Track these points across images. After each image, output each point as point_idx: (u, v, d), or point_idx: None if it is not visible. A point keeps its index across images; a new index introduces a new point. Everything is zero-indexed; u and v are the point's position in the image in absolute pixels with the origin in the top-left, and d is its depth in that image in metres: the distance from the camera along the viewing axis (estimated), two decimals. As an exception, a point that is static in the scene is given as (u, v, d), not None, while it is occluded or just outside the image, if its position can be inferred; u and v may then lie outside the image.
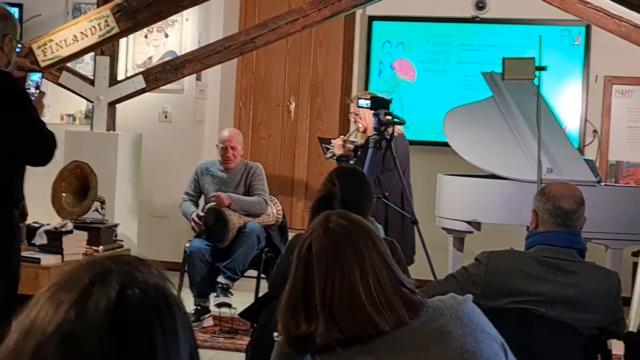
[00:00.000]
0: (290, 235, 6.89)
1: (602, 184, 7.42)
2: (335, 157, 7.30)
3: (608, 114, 8.95)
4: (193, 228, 7.38)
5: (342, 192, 3.83)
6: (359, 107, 6.90)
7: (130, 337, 1.16)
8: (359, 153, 7.14)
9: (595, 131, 8.97)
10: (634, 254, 7.79)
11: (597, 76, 8.95)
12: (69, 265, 1.26)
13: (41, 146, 4.56)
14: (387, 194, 6.84)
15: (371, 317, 2.16)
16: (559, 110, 8.47)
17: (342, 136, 7.52)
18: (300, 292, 2.24)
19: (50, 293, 1.20)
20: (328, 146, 7.65)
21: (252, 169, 7.45)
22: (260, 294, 6.72)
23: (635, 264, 7.60)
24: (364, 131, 7.24)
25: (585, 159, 7.44)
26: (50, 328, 1.16)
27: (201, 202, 7.57)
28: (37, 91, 4.97)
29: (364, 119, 7.20)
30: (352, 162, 7.17)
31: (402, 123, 6.75)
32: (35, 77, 5.06)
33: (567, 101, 8.94)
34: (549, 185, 3.85)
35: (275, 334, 2.39)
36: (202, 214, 7.29)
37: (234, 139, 7.43)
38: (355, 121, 7.38)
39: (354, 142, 7.38)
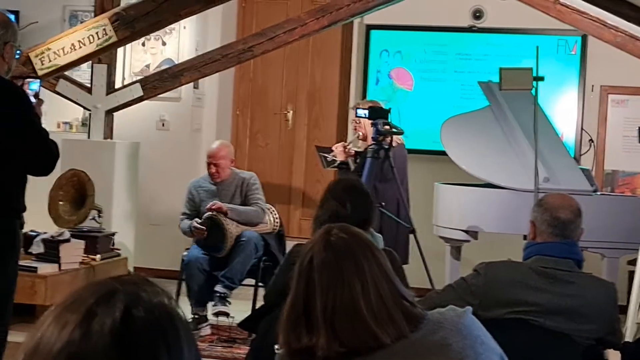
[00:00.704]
0: (289, 243, 6.90)
1: (598, 193, 7.44)
2: (336, 164, 7.32)
3: (604, 124, 8.97)
4: (197, 233, 7.30)
5: (353, 215, 3.81)
6: (357, 116, 6.92)
7: (135, 357, 1.17)
8: (357, 160, 7.16)
9: (591, 140, 8.99)
10: (630, 263, 7.80)
11: (593, 86, 8.97)
12: (77, 287, 1.27)
13: (45, 156, 4.56)
14: (383, 203, 6.85)
15: (372, 330, 2.17)
16: (555, 119, 8.49)
17: (342, 142, 7.53)
18: (301, 305, 2.25)
19: (56, 313, 1.21)
20: (326, 155, 7.67)
21: (247, 179, 7.40)
22: (258, 303, 6.73)
23: (631, 273, 7.60)
24: (364, 139, 7.26)
25: (581, 168, 7.46)
26: (55, 348, 1.17)
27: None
28: (36, 100, 4.96)
29: (364, 126, 7.23)
30: (353, 167, 7.20)
31: (400, 133, 6.77)
32: (34, 85, 5.04)
33: (563, 110, 8.96)
34: (546, 196, 3.87)
35: (276, 346, 2.39)
36: (199, 222, 7.26)
37: (217, 155, 7.31)
38: (355, 129, 7.40)
39: (355, 149, 7.41)
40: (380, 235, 4.59)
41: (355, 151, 7.33)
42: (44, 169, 4.64)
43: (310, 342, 2.20)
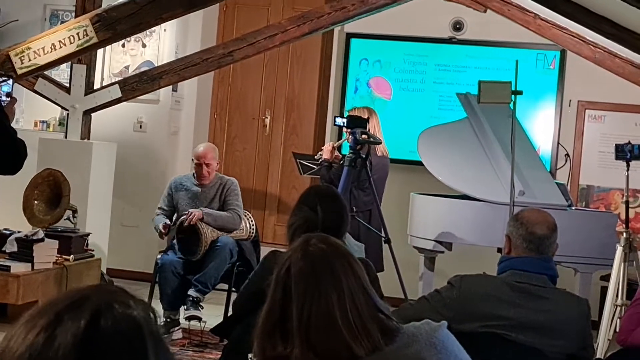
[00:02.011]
0: (263, 249, 6.90)
1: (573, 208, 7.49)
2: (321, 161, 7.32)
3: (580, 139, 9.02)
4: (160, 235, 7.33)
5: (324, 220, 3.85)
6: (335, 125, 6.94)
7: None
8: (342, 162, 7.15)
9: (567, 155, 9.04)
10: (603, 278, 7.85)
11: (570, 100, 9.02)
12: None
13: (13, 155, 4.54)
14: (354, 208, 6.85)
15: (347, 342, 2.17)
16: (532, 133, 8.55)
17: (331, 142, 7.53)
18: (277, 314, 2.25)
19: (28, 317, 1.22)
20: (303, 162, 7.68)
21: (227, 184, 7.41)
22: (230, 308, 6.72)
23: (603, 288, 7.65)
24: None
25: (557, 183, 7.50)
26: (19, 351, 1.17)
27: (175, 218, 7.54)
28: (8, 98, 4.94)
29: None
30: (334, 166, 7.20)
31: (378, 142, 6.78)
32: (6, 87, 5.03)
33: (540, 124, 9.00)
34: (523, 211, 3.88)
35: (250, 355, 2.39)
36: (169, 222, 7.28)
37: (208, 155, 7.37)
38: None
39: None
40: (362, 244, 4.60)
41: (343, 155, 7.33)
42: (12, 168, 4.62)
43: (285, 351, 2.20)
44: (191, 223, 7.05)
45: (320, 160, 7.37)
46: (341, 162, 7.21)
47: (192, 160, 7.54)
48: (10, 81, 5.26)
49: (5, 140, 4.51)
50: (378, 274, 4.31)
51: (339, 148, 7.50)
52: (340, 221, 3.94)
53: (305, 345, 2.18)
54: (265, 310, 2.28)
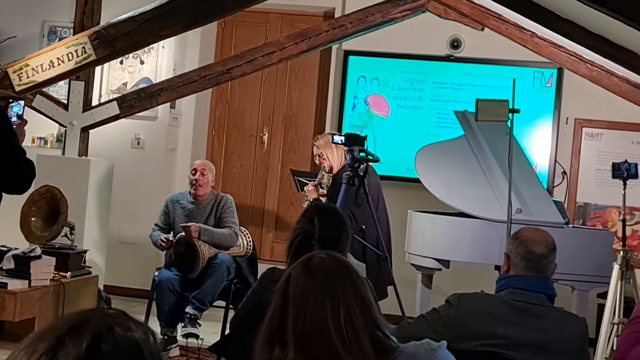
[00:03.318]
0: (261, 267, 6.89)
1: (570, 225, 7.49)
2: (310, 203, 7.32)
3: (577, 156, 9.03)
4: (161, 247, 7.33)
5: (321, 231, 3.85)
6: (333, 142, 6.92)
7: None
8: (329, 193, 7.15)
9: (564, 172, 9.06)
10: (600, 296, 7.85)
11: (567, 118, 9.04)
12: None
13: (22, 175, 4.56)
14: (363, 227, 6.84)
15: (337, 351, 2.18)
16: (529, 150, 8.56)
17: (312, 181, 7.52)
18: (277, 320, 2.28)
19: (30, 341, 1.22)
20: (301, 179, 7.68)
21: (223, 200, 7.45)
22: (228, 326, 6.71)
23: (600, 306, 7.65)
24: (330, 171, 7.24)
25: (554, 200, 7.50)
26: None
27: (171, 235, 7.54)
28: (19, 120, 4.98)
29: (327, 158, 7.20)
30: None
31: (376, 160, 6.77)
32: (17, 108, 5.06)
33: (538, 141, 9.02)
34: (522, 229, 3.88)
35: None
36: (172, 238, 7.30)
37: (205, 166, 7.48)
38: (320, 163, 7.36)
39: (322, 185, 7.39)
40: (363, 263, 4.60)
41: (327, 188, 7.32)
42: (20, 188, 4.64)
43: (282, 354, 2.22)
44: (191, 236, 7.06)
45: (310, 201, 7.37)
46: (333, 185, 7.21)
47: (189, 176, 7.55)
48: (22, 102, 5.28)
49: (15, 160, 4.53)
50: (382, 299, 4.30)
51: (321, 184, 7.50)
52: (338, 234, 3.93)
53: (298, 351, 2.20)
54: (267, 318, 2.31)
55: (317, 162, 7.46)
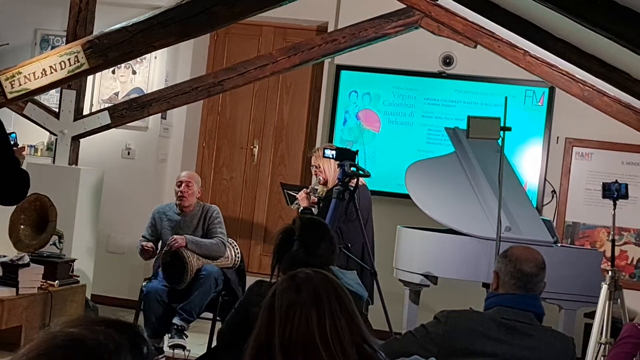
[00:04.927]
0: (249, 279, 6.89)
1: (559, 244, 7.50)
2: (300, 210, 7.33)
3: (567, 175, 9.05)
4: (142, 252, 7.33)
5: (301, 230, 3.88)
6: (324, 157, 6.93)
7: None
8: (320, 204, 7.17)
9: (554, 191, 9.07)
10: (587, 315, 7.86)
11: (558, 137, 9.06)
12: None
13: (17, 186, 4.55)
14: (349, 244, 6.85)
15: None
16: (519, 168, 8.58)
17: (304, 189, 7.54)
18: (263, 335, 2.28)
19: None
20: (291, 193, 7.68)
21: (210, 211, 7.47)
22: (215, 337, 6.70)
23: (587, 326, 7.66)
24: (325, 183, 7.26)
25: (543, 219, 7.51)
26: None
27: (159, 246, 7.54)
28: (16, 147, 5.02)
29: (324, 171, 7.22)
30: (316, 212, 7.20)
31: (367, 175, 6.78)
32: (12, 135, 5.12)
33: (528, 160, 9.03)
34: (512, 247, 3.89)
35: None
36: (150, 247, 7.31)
37: (190, 178, 7.50)
38: (316, 174, 7.40)
39: (316, 193, 7.41)
40: (354, 271, 4.59)
41: (318, 197, 7.34)
42: (16, 199, 4.64)
43: None
44: (173, 249, 7.06)
45: (300, 209, 7.38)
46: (319, 204, 7.22)
47: (175, 189, 7.56)
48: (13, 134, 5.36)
49: (11, 172, 4.52)
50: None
51: (314, 192, 7.52)
52: (319, 237, 3.95)
53: None
54: (254, 333, 2.31)
55: (313, 172, 7.49)
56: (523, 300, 3.65)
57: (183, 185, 7.41)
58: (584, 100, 7.90)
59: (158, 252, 7.35)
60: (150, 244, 7.33)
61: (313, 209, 7.27)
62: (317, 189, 7.38)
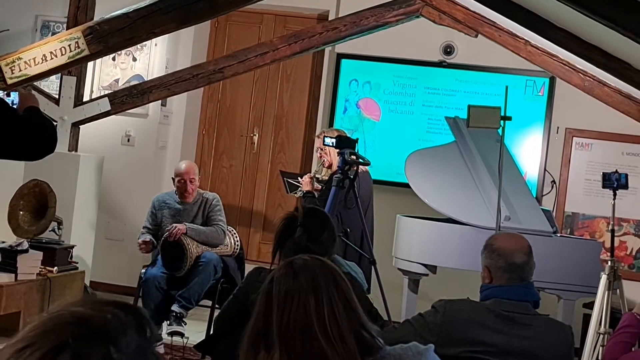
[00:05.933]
0: (248, 267, 6.89)
1: (558, 234, 7.50)
2: (302, 194, 7.33)
3: (567, 166, 9.04)
4: (140, 248, 7.34)
5: (305, 216, 3.87)
6: (324, 144, 6.94)
7: None
8: (323, 188, 7.17)
9: (553, 181, 9.07)
10: (585, 306, 7.86)
11: (558, 127, 9.05)
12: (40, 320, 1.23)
13: (38, 140, 4.51)
14: (348, 230, 6.86)
15: (322, 348, 2.18)
16: (519, 158, 8.57)
17: (309, 173, 7.55)
18: (261, 322, 2.28)
19: (4, 358, 1.19)
20: (290, 181, 7.69)
21: (210, 199, 7.46)
22: (213, 324, 6.70)
23: (586, 316, 7.66)
24: (329, 166, 7.28)
25: (542, 209, 7.51)
26: None
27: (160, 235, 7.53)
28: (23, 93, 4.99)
29: (329, 154, 7.24)
30: (313, 194, 7.21)
31: (367, 163, 6.78)
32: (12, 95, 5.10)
33: (528, 150, 9.02)
34: (495, 240, 3.86)
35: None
36: (151, 239, 7.30)
37: (191, 172, 7.44)
38: (320, 156, 7.41)
39: (319, 178, 7.42)
40: (353, 262, 4.60)
41: (321, 180, 7.34)
42: (41, 151, 4.59)
43: (267, 357, 2.22)
44: (175, 238, 7.05)
45: (301, 194, 7.38)
46: (327, 183, 7.22)
47: (173, 178, 7.53)
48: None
49: (25, 129, 4.48)
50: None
51: (318, 174, 7.52)
52: (322, 225, 3.95)
53: (283, 351, 2.20)
54: (251, 321, 2.31)
55: (318, 155, 7.49)
56: (519, 291, 3.65)
57: (187, 182, 7.36)
58: (585, 91, 7.89)
59: (158, 241, 7.34)
60: (147, 239, 7.30)
61: (315, 193, 7.27)
62: (319, 176, 7.38)
